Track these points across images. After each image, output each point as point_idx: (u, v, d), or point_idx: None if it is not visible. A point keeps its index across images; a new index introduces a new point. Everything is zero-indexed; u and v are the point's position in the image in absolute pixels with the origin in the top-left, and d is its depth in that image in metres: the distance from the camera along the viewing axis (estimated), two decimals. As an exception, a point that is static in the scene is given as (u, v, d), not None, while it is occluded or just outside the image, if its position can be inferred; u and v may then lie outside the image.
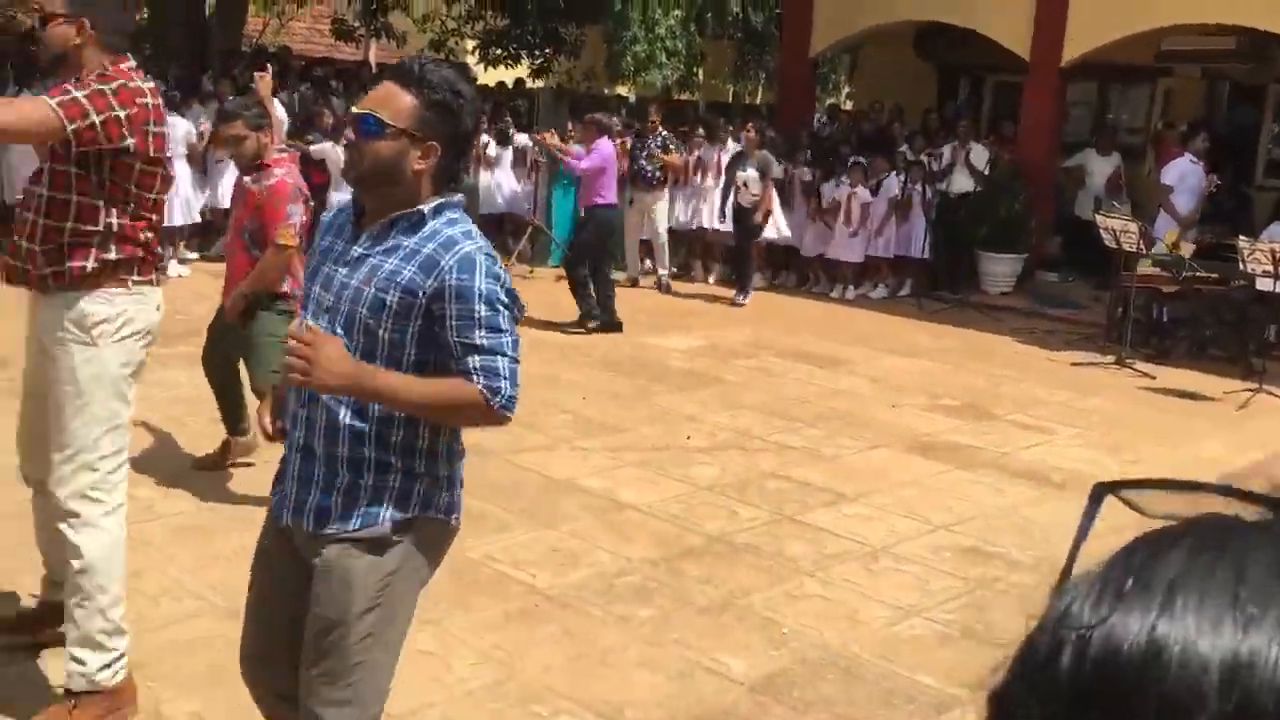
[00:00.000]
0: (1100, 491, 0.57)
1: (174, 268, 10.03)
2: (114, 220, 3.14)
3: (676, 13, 18.38)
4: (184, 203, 10.53)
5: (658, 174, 11.28)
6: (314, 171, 10.76)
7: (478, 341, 2.29)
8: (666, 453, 6.25)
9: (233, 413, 5.45)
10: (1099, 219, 9.77)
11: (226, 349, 5.29)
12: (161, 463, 5.47)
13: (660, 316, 10.26)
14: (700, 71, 19.96)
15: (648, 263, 11.83)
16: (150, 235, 3.26)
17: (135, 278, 3.22)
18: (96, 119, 3.00)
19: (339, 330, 2.33)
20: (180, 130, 10.17)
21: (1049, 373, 8.86)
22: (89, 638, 3.16)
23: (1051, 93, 12.28)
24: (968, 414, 7.47)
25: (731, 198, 11.07)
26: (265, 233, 4.97)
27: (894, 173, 11.73)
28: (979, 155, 12.03)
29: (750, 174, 10.82)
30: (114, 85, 3.05)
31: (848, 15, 13.68)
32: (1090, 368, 9.04)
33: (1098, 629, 0.47)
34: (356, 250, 2.37)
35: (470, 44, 18.23)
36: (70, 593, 3.18)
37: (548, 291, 10.23)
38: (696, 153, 12.20)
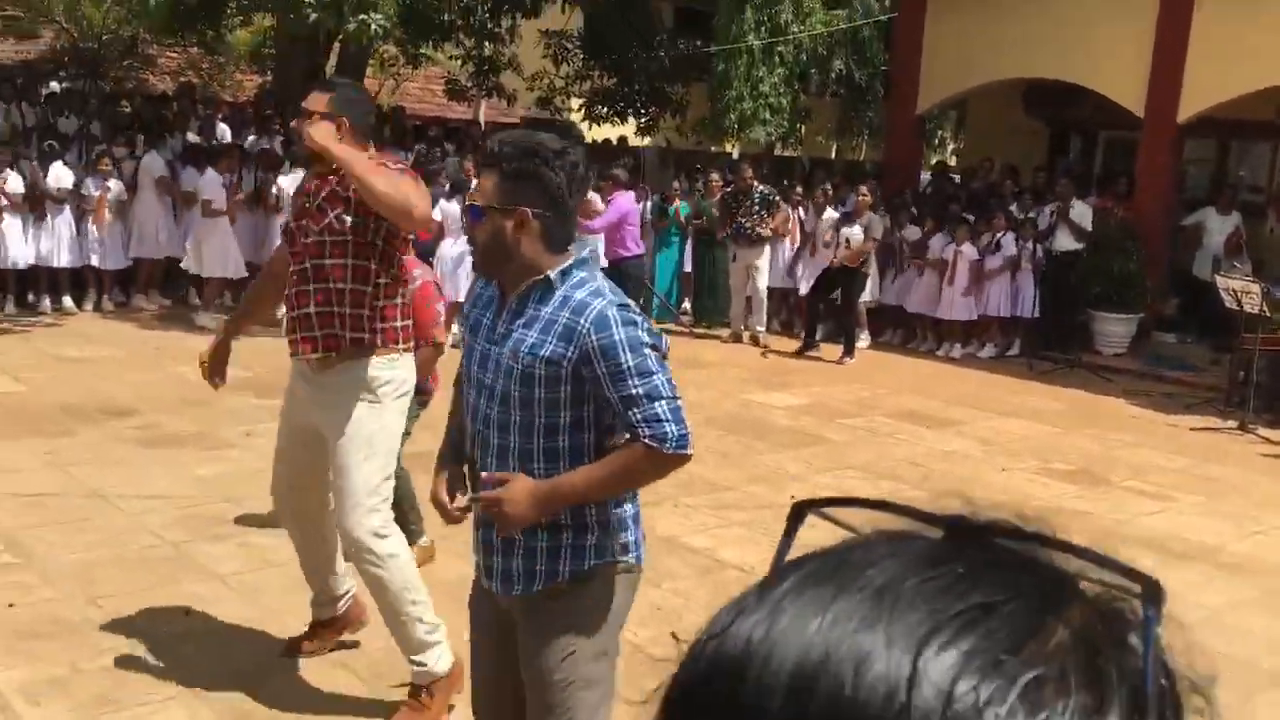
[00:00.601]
0: (800, 510, 0.58)
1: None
2: (395, 289, 3.59)
3: (780, 70, 18.49)
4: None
5: (758, 230, 11.31)
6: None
7: (633, 392, 2.36)
8: (770, 511, 6.19)
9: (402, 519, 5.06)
10: (1219, 279, 9.50)
11: None
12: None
13: (763, 373, 10.23)
14: (803, 128, 19.98)
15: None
16: (408, 302, 3.69)
17: (405, 344, 3.65)
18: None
19: (496, 406, 2.47)
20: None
21: (1167, 437, 8.59)
22: (418, 642, 3.60)
23: (1167, 150, 12.02)
24: (1082, 479, 7.27)
25: (832, 255, 11.04)
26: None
27: (1009, 231, 11.57)
28: (1081, 213, 11.79)
29: (854, 231, 10.78)
30: (399, 167, 3.46)
31: (956, 73, 13.61)
32: (1210, 433, 8.73)
33: (715, 638, 0.49)
34: (501, 327, 2.49)
35: (576, 102, 18.55)
36: (387, 617, 3.62)
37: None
38: (800, 210, 12.22)
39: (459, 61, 17.73)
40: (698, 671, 0.49)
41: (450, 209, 10.23)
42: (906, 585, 0.47)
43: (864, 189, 11.34)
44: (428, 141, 13.20)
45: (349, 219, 3.48)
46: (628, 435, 2.42)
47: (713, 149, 19.05)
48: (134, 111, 13.11)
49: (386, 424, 3.60)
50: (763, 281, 11.51)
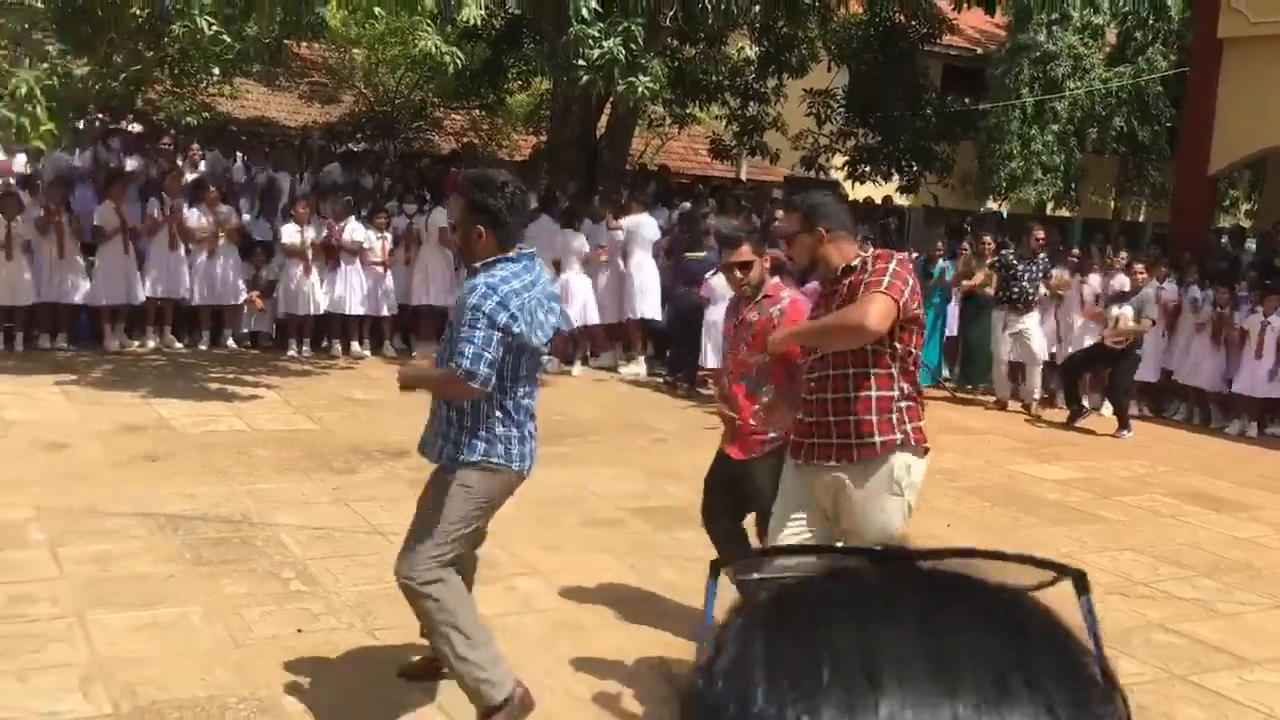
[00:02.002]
0: (715, 568, 0.60)
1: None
2: (906, 384, 3.73)
3: (1054, 127, 17.82)
4: (581, 307, 11.34)
5: (1034, 296, 10.87)
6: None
7: (460, 337, 3.68)
8: (1038, 592, 5.86)
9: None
10: None
11: (734, 502, 4.71)
12: (537, 556, 5.75)
13: (1031, 443, 9.76)
14: (1077, 187, 19.13)
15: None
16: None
17: (923, 440, 3.77)
18: (905, 294, 3.58)
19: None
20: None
21: None
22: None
23: None
24: (1401, 578, 6.51)
25: (1101, 331, 10.50)
26: (777, 367, 4.41)
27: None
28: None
29: (1126, 311, 10.20)
30: (893, 262, 3.64)
31: (1252, 132, 12.72)
32: None
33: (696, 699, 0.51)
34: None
35: (839, 159, 18.49)
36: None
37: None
38: (1077, 276, 11.68)
39: (723, 121, 18.05)
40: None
41: (718, 283, 10.33)
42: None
43: (1140, 266, 10.72)
44: (694, 199, 13.43)
45: None
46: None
47: (981, 209, 18.54)
48: (421, 170, 14.03)
49: (902, 516, 3.77)
50: (1037, 345, 11.01)
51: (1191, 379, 11.29)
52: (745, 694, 0.49)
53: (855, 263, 3.74)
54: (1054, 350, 11.50)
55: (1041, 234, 11.17)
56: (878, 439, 3.67)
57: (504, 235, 3.73)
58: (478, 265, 3.71)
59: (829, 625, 0.50)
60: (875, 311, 3.52)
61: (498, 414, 3.74)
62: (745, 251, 4.59)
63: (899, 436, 3.69)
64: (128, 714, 3.87)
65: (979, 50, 20.76)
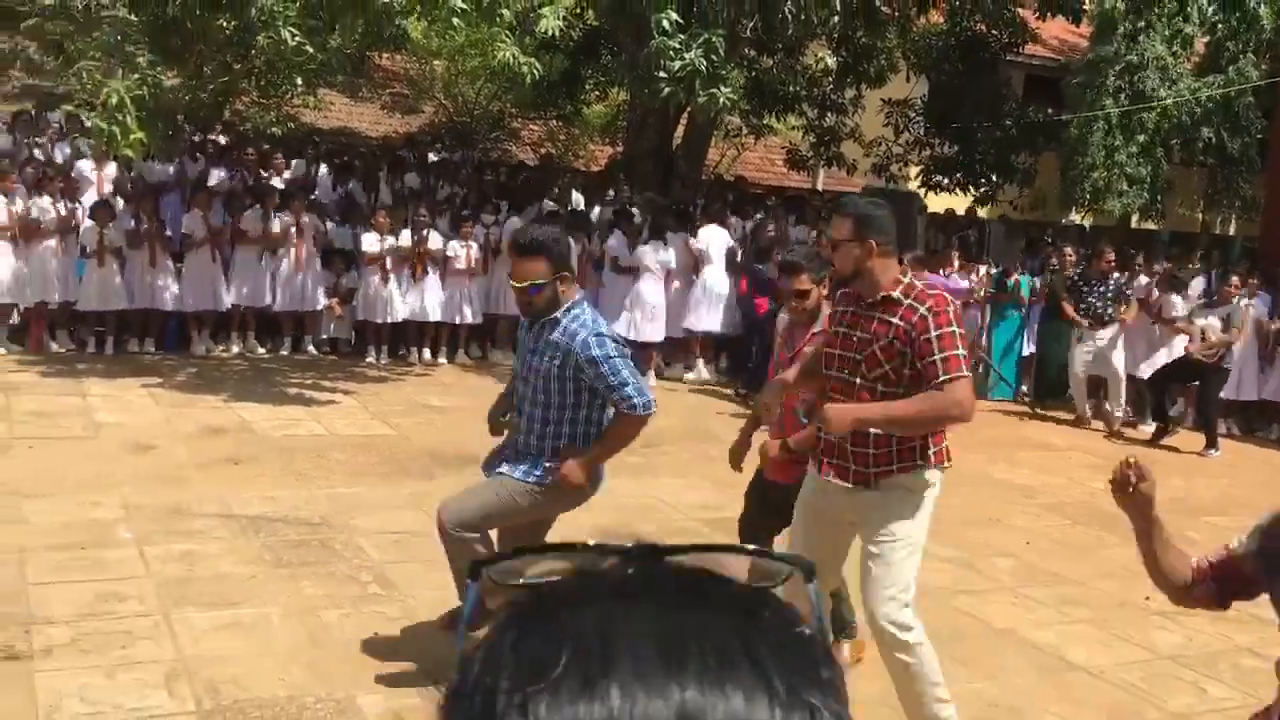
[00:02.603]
0: (475, 569, 0.63)
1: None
2: None
3: (1140, 138, 17.44)
4: (654, 318, 11.39)
5: (1106, 313, 10.65)
6: (759, 298, 11.18)
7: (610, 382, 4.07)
8: (1122, 611, 5.74)
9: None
10: None
11: (779, 524, 4.60)
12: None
13: (1113, 460, 9.53)
14: (1164, 199, 18.70)
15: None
16: None
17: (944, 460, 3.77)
18: (961, 348, 3.56)
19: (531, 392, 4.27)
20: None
21: None
22: None
23: None
24: None
25: (1188, 345, 10.24)
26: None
27: None
28: None
29: (1212, 322, 9.94)
30: (951, 314, 3.55)
31: (1349, 141, 12.32)
32: None
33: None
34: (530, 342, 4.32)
35: (914, 169, 18.29)
36: (906, 692, 3.74)
37: (987, 425, 9.86)
38: (1156, 293, 11.41)
39: (800, 131, 17.95)
40: None
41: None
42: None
43: (1235, 279, 10.47)
44: (766, 210, 13.38)
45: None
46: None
47: (1063, 221, 18.21)
48: (499, 180, 14.17)
49: (925, 532, 3.81)
50: (1118, 360, 10.77)
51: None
52: (492, 683, 0.52)
53: (897, 294, 3.61)
54: (1143, 367, 11.22)
55: (1112, 255, 10.93)
56: (895, 465, 3.69)
57: (573, 280, 4.20)
58: (558, 315, 4.07)
59: (572, 616, 0.53)
60: (967, 399, 3.54)
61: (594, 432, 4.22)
62: (804, 280, 4.62)
63: (920, 462, 3.69)
64: (210, 711, 3.95)
65: (1062, 60, 20.42)
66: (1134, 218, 18.44)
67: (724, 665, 0.51)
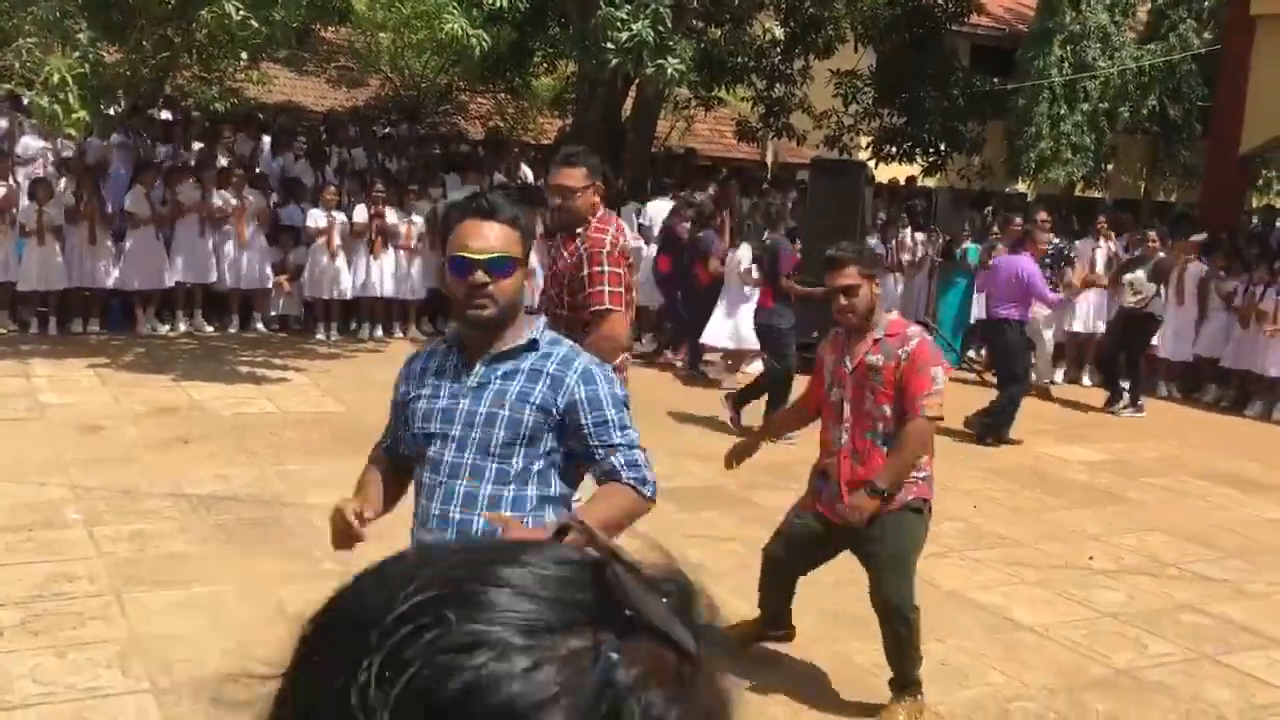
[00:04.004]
0: None
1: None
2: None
3: (1084, 107, 17.65)
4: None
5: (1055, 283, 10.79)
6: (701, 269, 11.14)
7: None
8: (1066, 572, 5.87)
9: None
10: None
11: (817, 564, 4.38)
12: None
13: (1057, 425, 9.73)
14: (1109, 167, 18.96)
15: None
16: None
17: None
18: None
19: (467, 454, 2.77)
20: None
21: None
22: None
23: None
24: None
25: (1121, 301, 10.37)
26: (901, 404, 3.94)
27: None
28: None
29: (1139, 275, 10.06)
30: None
31: (1286, 109, 12.56)
32: None
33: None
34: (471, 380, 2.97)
35: (864, 140, 18.38)
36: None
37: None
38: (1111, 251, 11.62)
39: (749, 103, 17.96)
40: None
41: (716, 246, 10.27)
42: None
43: (1153, 234, 10.70)
44: (718, 183, 13.40)
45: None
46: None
47: (1006, 190, 18.40)
48: (446, 154, 14.06)
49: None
50: (1047, 333, 10.96)
51: (1222, 360, 11.20)
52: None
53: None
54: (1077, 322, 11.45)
55: (1044, 216, 11.05)
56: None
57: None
58: (536, 336, 2.67)
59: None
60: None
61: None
62: (851, 274, 3.90)
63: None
64: (164, 689, 3.94)
65: (1007, 29, 20.58)
66: (1078, 186, 18.69)
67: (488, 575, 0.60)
